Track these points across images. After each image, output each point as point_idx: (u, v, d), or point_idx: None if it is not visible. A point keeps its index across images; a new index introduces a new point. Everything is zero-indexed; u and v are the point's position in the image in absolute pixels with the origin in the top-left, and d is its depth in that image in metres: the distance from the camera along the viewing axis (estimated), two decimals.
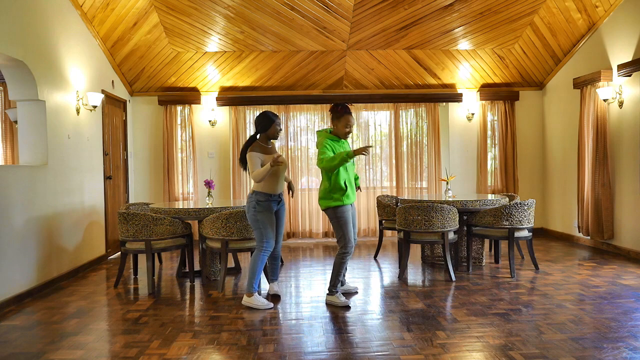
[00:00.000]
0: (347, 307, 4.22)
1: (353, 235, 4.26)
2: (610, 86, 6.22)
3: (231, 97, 7.76)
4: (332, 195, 4.15)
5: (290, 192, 4.71)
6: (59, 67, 5.47)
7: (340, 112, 4.18)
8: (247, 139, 4.44)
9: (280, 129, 4.43)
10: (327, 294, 4.36)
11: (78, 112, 5.87)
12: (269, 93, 7.89)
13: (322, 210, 4.30)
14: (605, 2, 6.08)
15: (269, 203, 4.34)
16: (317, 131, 4.39)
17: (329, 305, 4.31)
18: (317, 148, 4.20)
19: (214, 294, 4.74)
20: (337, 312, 4.12)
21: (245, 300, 4.28)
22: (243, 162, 4.42)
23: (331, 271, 4.37)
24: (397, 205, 6.03)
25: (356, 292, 4.69)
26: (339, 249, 4.24)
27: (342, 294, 4.54)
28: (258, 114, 4.48)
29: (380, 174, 8.22)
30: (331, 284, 4.32)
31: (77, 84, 5.87)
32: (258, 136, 4.43)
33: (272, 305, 4.26)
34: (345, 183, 4.16)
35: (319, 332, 3.65)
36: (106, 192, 6.69)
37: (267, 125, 4.34)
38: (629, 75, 5.91)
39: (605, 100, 6.22)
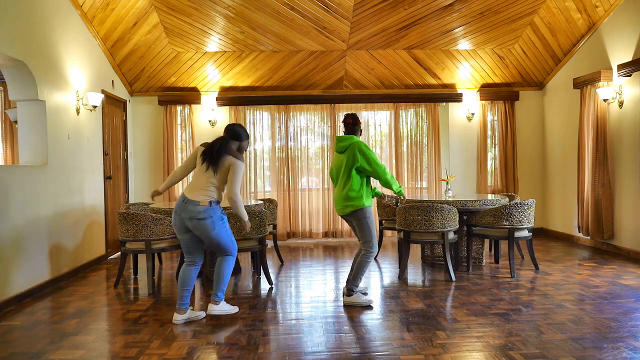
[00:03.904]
0: (370, 307, 4.20)
1: None
2: (610, 86, 6.22)
3: (231, 97, 7.76)
4: (363, 195, 4.25)
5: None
6: (59, 67, 5.47)
7: (355, 120, 4.43)
8: (220, 138, 3.88)
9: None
10: (346, 296, 4.29)
11: (78, 112, 5.87)
12: (269, 93, 7.89)
13: (349, 213, 4.26)
14: (605, 2, 6.08)
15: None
16: (354, 138, 4.30)
17: (348, 306, 4.23)
18: (363, 154, 4.19)
19: None
20: (337, 312, 4.12)
21: (215, 309, 3.94)
22: (215, 162, 3.80)
23: (354, 272, 4.29)
24: (397, 205, 6.04)
25: (366, 293, 4.60)
26: (365, 250, 4.28)
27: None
28: (231, 124, 4.02)
29: None
30: (352, 284, 4.28)
31: (77, 84, 5.87)
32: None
33: (237, 308, 4.07)
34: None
35: (319, 332, 3.65)
36: (106, 192, 6.69)
37: (244, 137, 3.97)
38: (629, 75, 5.91)
39: (605, 100, 6.22)
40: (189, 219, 3.77)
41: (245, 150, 4.12)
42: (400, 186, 4.37)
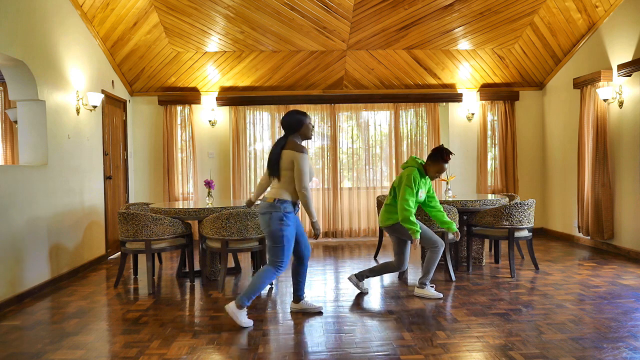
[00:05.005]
0: (440, 299, 4.40)
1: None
2: (610, 86, 6.22)
3: (231, 97, 7.76)
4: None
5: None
6: (59, 67, 5.47)
7: (439, 157, 4.44)
8: (278, 142, 3.79)
9: (313, 126, 3.91)
10: (418, 287, 4.53)
11: (78, 112, 5.87)
12: (269, 93, 7.89)
13: (389, 226, 4.52)
14: (605, 2, 6.08)
15: (294, 213, 3.84)
16: (412, 158, 4.55)
17: (418, 297, 4.47)
18: (404, 179, 4.39)
19: (214, 294, 4.74)
20: (337, 312, 4.12)
21: (233, 309, 3.74)
22: (276, 171, 3.74)
23: (425, 267, 4.54)
24: None
25: (367, 293, 4.68)
26: (432, 249, 4.50)
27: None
28: (285, 116, 3.82)
29: (380, 174, 8.22)
30: (424, 277, 4.52)
31: (77, 84, 5.87)
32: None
33: (251, 322, 3.80)
34: None
35: (319, 332, 3.65)
36: (106, 192, 6.69)
37: (302, 123, 3.78)
38: (629, 75, 5.91)
39: (605, 100, 6.22)
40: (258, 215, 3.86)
41: (312, 129, 3.88)
42: (418, 230, 4.29)
